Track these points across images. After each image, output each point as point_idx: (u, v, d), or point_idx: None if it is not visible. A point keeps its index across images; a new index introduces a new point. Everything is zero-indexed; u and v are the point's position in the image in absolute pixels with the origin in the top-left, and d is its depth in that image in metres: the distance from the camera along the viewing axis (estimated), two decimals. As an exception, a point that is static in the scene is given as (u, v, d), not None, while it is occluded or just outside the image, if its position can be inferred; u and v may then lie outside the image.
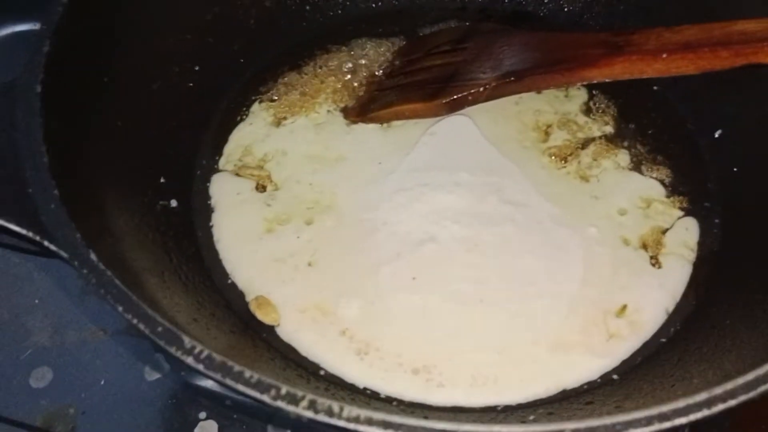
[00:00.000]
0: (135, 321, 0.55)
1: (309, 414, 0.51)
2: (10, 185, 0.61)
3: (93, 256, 0.58)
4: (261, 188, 0.89)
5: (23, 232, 0.59)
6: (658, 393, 0.68)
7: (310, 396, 0.51)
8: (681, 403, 0.50)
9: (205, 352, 0.53)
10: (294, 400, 0.51)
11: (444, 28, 1.02)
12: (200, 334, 0.69)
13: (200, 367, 0.53)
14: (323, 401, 0.51)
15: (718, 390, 0.51)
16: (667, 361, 0.74)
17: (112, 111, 0.80)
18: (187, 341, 0.54)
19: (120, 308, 0.56)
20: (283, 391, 0.51)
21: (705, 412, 0.50)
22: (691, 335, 0.76)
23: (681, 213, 0.86)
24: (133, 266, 0.68)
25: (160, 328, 0.55)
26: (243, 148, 0.93)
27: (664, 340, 0.77)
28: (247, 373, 0.52)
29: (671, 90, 0.95)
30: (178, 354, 0.54)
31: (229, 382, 0.52)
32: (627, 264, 0.82)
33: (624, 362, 0.76)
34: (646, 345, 0.77)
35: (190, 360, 0.53)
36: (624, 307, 0.79)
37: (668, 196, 0.88)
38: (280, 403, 0.51)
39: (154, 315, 0.55)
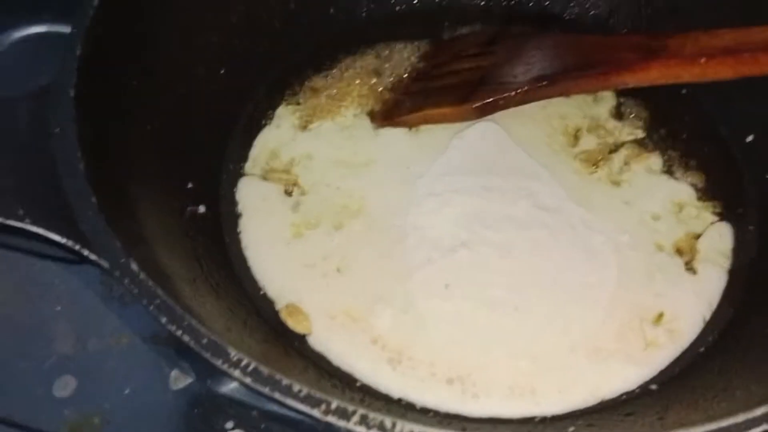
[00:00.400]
0: (180, 333, 0.54)
1: (360, 430, 0.49)
2: (46, 193, 0.60)
3: (134, 266, 0.57)
4: (288, 193, 0.88)
5: (63, 241, 0.58)
6: (700, 404, 0.67)
7: (361, 411, 0.50)
8: (740, 418, 0.49)
9: (252, 365, 0.52)
10: (345, 415, 0.50)
11: (471, 31, 1.01)
12: (236, 343, 0.68)
13: (248, 380, 0.52)
14: (375, 416, 0.50)
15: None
16: (707, 371, 0.72)
17: (142, 115, 0.79)
18: (233, 353, 0.53)
19: (164, 319, 0.54)
20: (334, 405, 0.50)
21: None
22: (731, 345, 0.75)
23: (715, 218, 0.85)
24: (168, 274, 0.67)
25: (205, 340, 0.53)
26: (269, 152, 0.91)
27: (702, 349, 0.76)
28: (296, 387, 0.51)
29: (701, 94, 0.94)
30: (224, 367, 0.52)
31: (278, 396, 0.51)
32: (661, 270, 0.81)
33: (662, 372, 0.75)
34: (684, 354, 0.76)
35: (237, 373, 0.52)
36: (661, 314, 0.78)
37: (701, 200, 0.87)
38: (330, 418, 0.50)
39: (198, 327, 0.54)
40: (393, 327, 0.77)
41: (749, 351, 0.72)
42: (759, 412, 0.49)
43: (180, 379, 0.86)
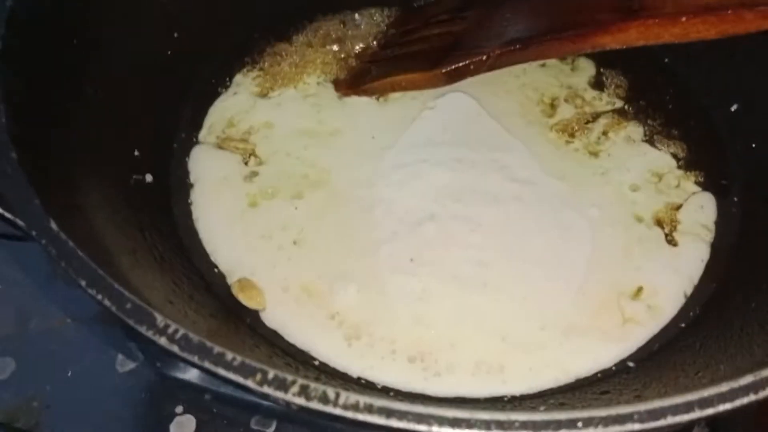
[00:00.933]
0: (100, 297, 0.48)
1: (300, 401, 0.44)
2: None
3: (53, 225, 0.51)
4: (245, 163, 0.82)
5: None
6: (681, 381, 0.62)
7: (301, 381, 0.44)
8: (724, 387, 0.44)
9: (181, 332, 0.47)
10: (283, 385, 0.44)
11: (442, -3, 0.96)
12: (176, 317, 0.62)
13: (175, 348, 0.46)
14: (316, 386, 0.44)
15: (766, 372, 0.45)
16: (688, 347, 0.68)
17: (83, 76, 0.73)
18: (160, 319, 0.47)
19: (83, 282, 0.49)
20: (271, 375, 0.45)
21: (751, 397, 0.44)
22: (713, 320, 0.70)
23: (696, 188, 0.81)
24: (103, 243, 0.61)
25: (128, 305, 0.48)
26: (226, 121, 0.86)
27: (683, 325, 0.71)
28: (229, 356, 0.46)
29: (683, 61, 0.90)
30: (149, 334, 0.47)
31: (207, 365, 0.45)
32: (641, 242, 0.77)
33: (640, 349, 0.70)
34: (663, 331, 0.71)
35: (163, 341, 0.46)
36: (639, 289, 0.73)
37: (681, 169, 0.83)
38: (267, 389, 0.44)
39: (121, 290, 0.48)
40: (353, 303, 0.72)
41: (732, 325, 0.67)
42: (744, 381, 0.44)
43: (127, 362, 0.80)
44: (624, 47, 0.76)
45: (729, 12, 0.70)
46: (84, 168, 0.67)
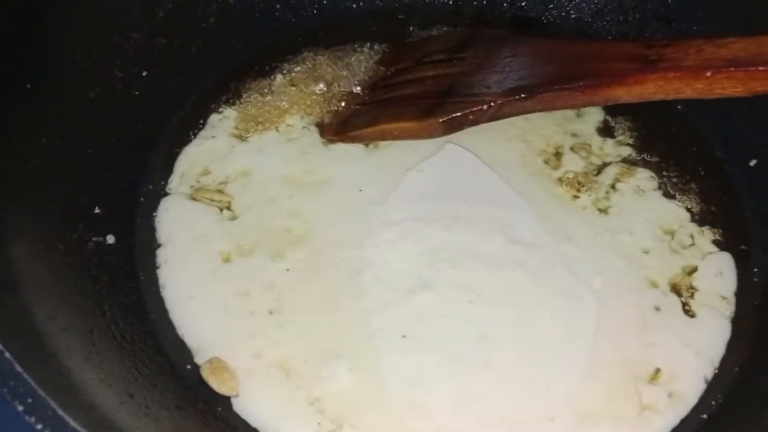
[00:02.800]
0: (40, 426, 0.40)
1: None
2: None
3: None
4: (220, 216, 0.74)
5: None
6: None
7: None
8: None
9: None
10: None
11: (437, 33, 0.88)
12: (136, 414, 0.54)
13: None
14: None
15: None
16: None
17: (35, 124, 0.65)
18: None
19: (20, 407, 0.40)
20: None
21: None
22: (738, 411, 0.63)
23: (713, 248, 0.75)
24: (43, 326, 0.52)
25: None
26: (200, 168, 0.78)
27: (705, 416, 0.64)
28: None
29: (697, 109, 0.83)
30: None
31: None
32: (655, 312, 0.70)
33: (660, 442, 0.63)
34: (685, 422, 0.64)
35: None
36: (657, 371, 0.67)
37: (695, 223, 0.76)
38: None
39: (64, 417, 0.40)
40: (336, 386, 0.65)
41: (760, 419, 0.60)
42: None
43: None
44: (639, 101, 0.70)
45: (760, 68, 0.63)
46: (25, 235, 0.59)
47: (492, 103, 0.74)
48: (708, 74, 0.65)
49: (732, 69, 0.64)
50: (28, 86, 0.64)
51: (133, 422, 0.51)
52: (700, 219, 0.77)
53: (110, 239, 0.69)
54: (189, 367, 0.65)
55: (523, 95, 0.73)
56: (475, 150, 0.80)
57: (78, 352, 0.55)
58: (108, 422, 0.45)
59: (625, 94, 0.69)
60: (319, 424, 0.62)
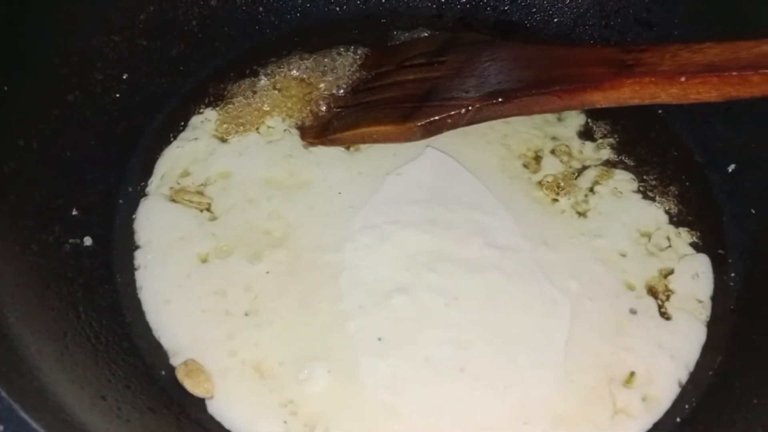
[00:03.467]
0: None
1: None
2: None
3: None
4: (200, 218, 0.74)
5: None
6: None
7: None
8: None
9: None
10: None
11: (419, 37, 0.88)
12: (107, 416, 0.54)
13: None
14: None
15: None
16: (685, 448, 0.61)
17: (13, 126, 0.65)
18: None
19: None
20: None
21: None
22: (712, 416, 0.63)
23: (690, 250, 0.75)
24: (15, 329, 0.52)
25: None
26: (180, 170, 0.78)
27: (678, 419, 0.64)
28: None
29: (678, 116, 0.83)
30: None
31: None
32: (631, 315, 0.70)
33: (632, 446, 0.63)
34: (658, 425, 0.64)
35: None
36: (632, 374, 0.67)
37: (672, 225, 0.77)
38: None
39: (26, 418, 0.40)
40: (312, 388, 0.65)
41: (734, 424, 0.61)
42: None
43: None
44: (616, 106, 0.70)
45: (734, 74, 0.63)
46: (6, 236, 0.59)
47: (470, 107, 0.74)
48: (682, 79, 0.65)
49: (706, 74, 0.64)
50: (5, 88, 0.64)
51: (104, 424, 0.51)
52: (678, 221, 0.77)
53: (87, 241, 0.69)
54: (164, 371, 0.65)
55: (500, 99, 0.73)
56: (455, 154, 0.80)
57: (50, 354, 0.55)
58: (78, 424, 0.45)
59: (602, 98, 0.70)
60: (285, 422, 0.62)
